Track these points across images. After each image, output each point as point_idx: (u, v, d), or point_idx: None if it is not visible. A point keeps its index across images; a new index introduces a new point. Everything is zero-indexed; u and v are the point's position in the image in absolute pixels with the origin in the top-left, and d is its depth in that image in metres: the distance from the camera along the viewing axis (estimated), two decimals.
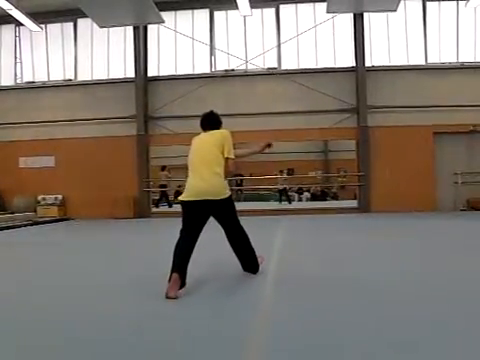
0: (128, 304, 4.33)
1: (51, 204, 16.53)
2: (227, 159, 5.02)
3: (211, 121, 5.37)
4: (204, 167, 4.94)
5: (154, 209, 18.08)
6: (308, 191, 27.26)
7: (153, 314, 3.95)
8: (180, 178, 23.97)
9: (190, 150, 5.22)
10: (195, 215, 4.89)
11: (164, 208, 19.81)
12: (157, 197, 20.88)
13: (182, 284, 4.54)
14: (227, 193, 5.01)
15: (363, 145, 15.89)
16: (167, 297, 4.39)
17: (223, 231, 5.22)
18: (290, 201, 22.21)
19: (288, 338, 3.22)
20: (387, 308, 3.95)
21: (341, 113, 16.08)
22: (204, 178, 4.88)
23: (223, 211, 5.06)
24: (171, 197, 21.38)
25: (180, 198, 5.02)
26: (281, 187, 22.26)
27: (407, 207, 14.80)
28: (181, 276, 4.53)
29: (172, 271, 4.55)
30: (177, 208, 19.19)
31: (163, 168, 20.15)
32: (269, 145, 5.75)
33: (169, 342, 3.24)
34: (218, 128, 5.35)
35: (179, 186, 25.51)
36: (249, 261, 5.36)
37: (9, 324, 3.78)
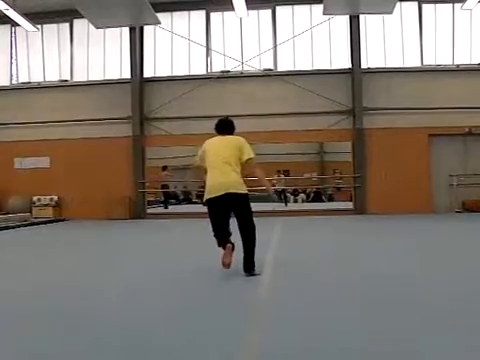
0: (126, 301, 4.33)
1: (46, 205, 16.49)
2: (248, 160, 5.63)
3: (229, 125, 6.00)
4: (226, 166, 5.51)
5: (150, 210, 17.97)
6: (304, 192, 27.28)
7: (144, 311, 3.96)
8: (176, 179, 24.08)
9: (207, 152, 5.72)
10: (221, 210, 5.52)
11: (160, 209, 19.76)
12: (156, 198, 20.93)
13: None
14: (246, 190, 5.58)
15: (359, 147, 15.91)
16: (223, 264, 5.35)
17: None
18: (286, 203, 22.17)
19: (283, 334, 3.23)
20: (383, 309, 3.96)
21: (337, 115, 16.10)
22: (226, 174, 5.48)
23: (241, 205, 5.54)
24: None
25: (206, 197, 5.58)
26: (280, 188, 22.25)
27: (403, 209, 14.82)
28: (232, 245, 5.41)
29: (224, 243, 5.43)
30: (173, 210, 19.24)
31: (164, 168, 20.14)
32: (270, 190, 6.22)
33: (166, 340, 3.25)
34: (233, 133, 5.97)
35: (175, 187, 25.53)
36: (247, 259, 5.48)
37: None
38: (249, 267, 5.45)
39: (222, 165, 5.51)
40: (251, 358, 2.97)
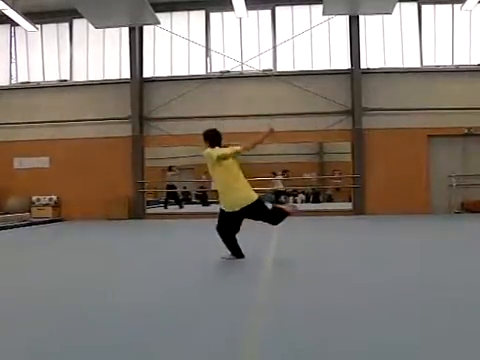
0: (124, 300, 4.34)
1: (45, 205, 16.49)
2: (236, 152, 6.34)
3: (220, 138, 6.55)
4: (239, 178, 6.30)
5: (149, 210, 17.94)
6: (303, 193, 27.27)
7: (143, 309, 3.96)
8: (180, 180, 24.04)
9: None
10: (236, 219, 6.29)
11: (159, 209, 19.76)
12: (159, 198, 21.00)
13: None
14: (255, 196, 6.32)
15: (358, 147, 15.92)
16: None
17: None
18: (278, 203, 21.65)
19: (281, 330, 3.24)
20: (384, 310, 3.97)
21: (336, 115, 16.10)
22: (240, 188, 6.25)
23: (255, 211, 6.26)
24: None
25: (229, 210, 6.26)
26: (281, 188, 22.11)
27: (402, 210, 14.81)
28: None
29: (236, 256, 6.40)
30: (171, 210, 19.23)
31: (170, 168, 20.22)
32: (271, 131, 6.75)
33: (164, 339, 3.24)
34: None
35: (184, 188, 25.46)
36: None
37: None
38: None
39: (236, 180, 6.26)
40: (250, 357, 2.97)
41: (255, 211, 6.27)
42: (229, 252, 6.47)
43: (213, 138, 6.50)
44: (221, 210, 6.44)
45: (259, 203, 6.33)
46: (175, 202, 20.64)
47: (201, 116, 15.55)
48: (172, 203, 20.66)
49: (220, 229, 6.39)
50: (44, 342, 3.32)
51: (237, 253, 6.44)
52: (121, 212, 16.01)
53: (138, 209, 16.51)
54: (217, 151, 6.25)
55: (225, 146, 6.68)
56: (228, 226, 6.33)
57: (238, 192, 6.23)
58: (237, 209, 6.20)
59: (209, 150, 6.32)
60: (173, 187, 20.23)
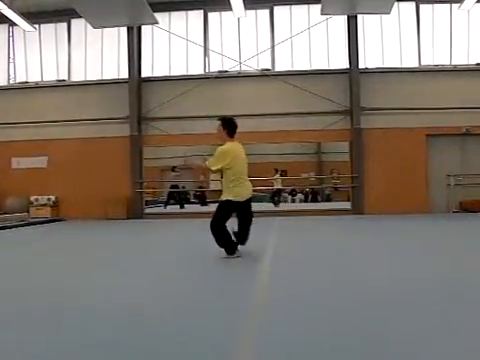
0: (122, 300, 4.34)
1: (44, 205, 16.46)
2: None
3: (236, 128, 6.93)
4: (246, 175, 6.79)
5: (147, 210, 17.96)
6: (301, 192, 27.32)
7: (142, 308, 3.96)
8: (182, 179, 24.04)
9: (235, 158, 6.59)
10: (235, 209, 6.62)
11: (158, 209, 19.76)
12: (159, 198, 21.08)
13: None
14: None
15: (356, 147, 15.92)
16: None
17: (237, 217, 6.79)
18: (277, 204, 21.41)
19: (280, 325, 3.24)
20: (382, 309, 3.98)
21: (334, 115, 16.10)
22: (248, 181, 6.81)
23: (249, 205, 6.78)
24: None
25: (234, 200, 6.51)
26: (275, 189, 22.05)
27: (400, 209, 14.82)
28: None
29: (232, 252, 6.51)
30: (170, 210, 19.21)
31: (173, 169, 20.22)
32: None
33: (163, 338, 3.25)
34: None
35: (183, 187, 25.51)
36: (246, 235, 6.77)
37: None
38: (245, 240, 6.74)
39: (245, 174, 6.75)
40: (248, 357, 2.98)
41: (249, 206, 6.77)
42: (225, 253, 6.52)
43: (231, 126, 6.85)
44: (223, 202, 6.56)
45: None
46: (177, 202, 20.65)
47: (199, 116, 15.55)
48: (173, 203, 20.67)
49: (217, 222, 6.46)
50: (43, 342, 3.32)
51: (231, 247, 6.52)
52: (120, 212, 16.00)
53: (137, 209, 16.50)
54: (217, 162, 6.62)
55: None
56: (225, 216, 6.51)
57: (246, 185, 6.71)
58: (242, 200, 6.57)
59: (224, 149, 6.62)
60: (176, 187, 20.26)
